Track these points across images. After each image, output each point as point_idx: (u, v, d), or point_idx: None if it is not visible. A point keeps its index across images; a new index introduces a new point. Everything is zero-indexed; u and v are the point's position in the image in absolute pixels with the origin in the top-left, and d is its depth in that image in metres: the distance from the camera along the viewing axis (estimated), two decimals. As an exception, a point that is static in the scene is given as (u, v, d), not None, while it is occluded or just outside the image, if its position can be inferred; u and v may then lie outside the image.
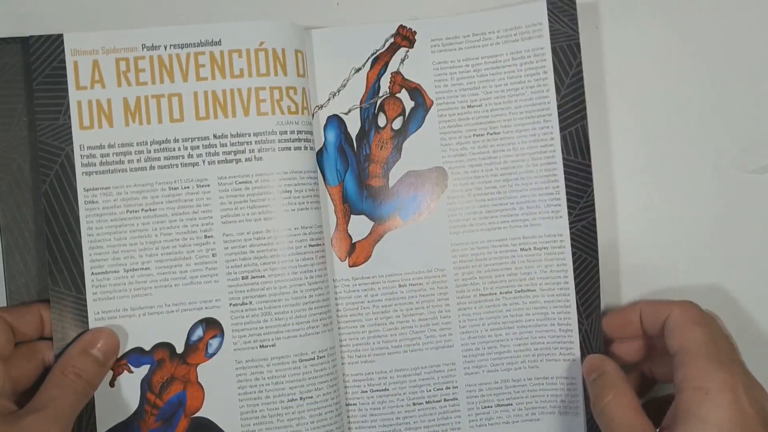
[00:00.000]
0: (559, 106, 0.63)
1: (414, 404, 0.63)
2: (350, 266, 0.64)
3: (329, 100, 0.64)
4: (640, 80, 0.66)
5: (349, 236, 0.64)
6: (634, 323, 0.62)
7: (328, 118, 0.64)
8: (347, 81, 0.64)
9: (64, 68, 0.60)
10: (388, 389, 0.63)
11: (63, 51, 0.60)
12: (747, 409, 0.50)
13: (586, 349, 0.62)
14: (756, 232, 0.66)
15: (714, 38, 0.67)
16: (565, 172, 0.63)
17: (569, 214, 0.63)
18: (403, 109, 0.64)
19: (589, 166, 0.63)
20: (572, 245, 0.63)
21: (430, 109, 0.64)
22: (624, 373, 0.59)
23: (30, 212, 0.59)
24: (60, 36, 0.60)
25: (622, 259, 0.66)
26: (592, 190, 0.63)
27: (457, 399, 0.64)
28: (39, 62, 0.59)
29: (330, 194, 0.64)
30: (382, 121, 0.64)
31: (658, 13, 0.67)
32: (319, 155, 0.63)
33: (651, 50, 0.67)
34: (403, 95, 0.64)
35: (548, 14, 0.63)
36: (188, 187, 0.60)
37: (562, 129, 0.63)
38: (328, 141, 0.64)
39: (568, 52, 0.63)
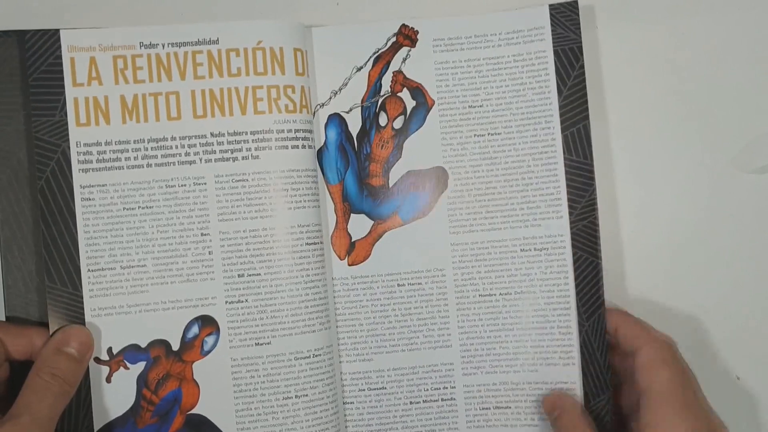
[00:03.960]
0: (560, 107, 0.63)
1: (411, 403, 0.63)
2: (349, 265, 0.63)
3: (330, 98, 0.64)
4: (638, 80, 0.66)
5: (349, 235, 0.64)
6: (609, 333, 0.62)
7: (329, 116, 0.64)
8: (348, 79, 0.64)
9: (61, 65, 0.60)
10: (385, 388, 0.63)
11: (59, 47, 0.60)
12: None
13: (586, 353, 0.62)
14: (757, 230, 0.66)
15: (712, 38, 0.66)
16: (567, 173, 0.63)
17: (570, 214, 0.63)
18: (405, 109, 0.64)
19: (591, 166, 0.63)
20: (573, 245, 0.62)
21: (431, 108, 0.64)
22: (584, 410, 0.60)
23: (29, 206, 0.60)
24: (56, 32, 0.60)
25: (621, 260, 0.66)
26: (594, 190, 0.62)
27: (454, 399, 0.63)
28: (35, 58, 0.60)
29: (330, 193, 0.64)
30: (383, 120, 0.64)
31: (657, 12, 0.67)
32: (320, 154, 0.63)
33: (649, 50, 0.66)
34: (405, 94, 0.64)
35: (551, 18, 0.63)
36: (185, 185, 0.60)
37: (563, 130, 0.63)
38: (328, 139, 0.64)
39: (570, 55, 0.63)
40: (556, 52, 0.63)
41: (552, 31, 0.63)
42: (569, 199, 0.63)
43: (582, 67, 0.63)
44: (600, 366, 0.62)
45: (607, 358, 0.61)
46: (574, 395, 0.62)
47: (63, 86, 0.60)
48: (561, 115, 0.63)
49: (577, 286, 0.62)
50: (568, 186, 0.63)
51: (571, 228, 0.63)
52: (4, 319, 0.59)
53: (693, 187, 0.66)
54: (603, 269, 0.63)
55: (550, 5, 0.63)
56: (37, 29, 0.60)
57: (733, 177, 0.66)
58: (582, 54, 0.63)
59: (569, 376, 0.62)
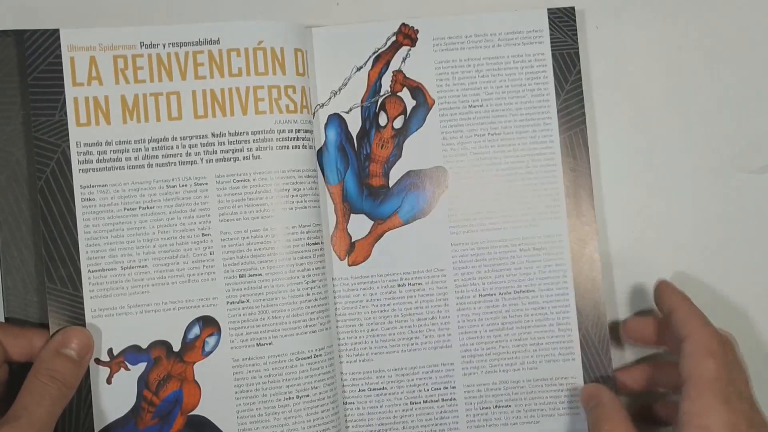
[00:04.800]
0: (558, 110, 0.63)
1: (411, 403, 0.63)
2: (349, 265, 0.63)
3: (330, 98, 0.63)
4: (639, 80, 0.66)
5: (349, 235, 0.63)
6: (654, 329, 0.62)
7: (329, 116, 0.63)
8: (348, 79, 0.63)
9: (60, 64, 0.59)
10: (385, 388, 0.63)
11: (59, 47, 0.59)
12: None
13: (586, 347, 0.62)
14: (757, 230, 0.66)
15: (712, 38, 0.66)
16: (565, 174, 0.63)
17: (568, 214, 0.63)
18: (404, 108, 0.63)
19: (589, 168, 0.63)
20: (572, 245, 0.63)
21: (431, 108, 0.63)
22: (621, 403, 0.58)
23: (27, 207, 0.59)
24: (56, 31, 0.59)
25: (616, 261, 0.65)
26: (592, 192, 0.63)
27: (455, 399, 0.63)
28: (34, 57, 0.59)
29: (330, 193, 0.63)
30: (383, 119, 0.63)
31: (655, 13, 0.66)
32: (320, 154, 0.63)
33: (649, 50, 0.66)
34: (405, 94, 0.64)
35: (549, 22, 0.64)
36: (186, 185, 0.59)
37: (561, 132, 0.63)
38: (328, 140, 0.63)
39: (568, 60, 0.63)
40: (554, 56, 0.63)
41: (550, 35, 0.64)
42: (567, 200, 0.63)
43: (579, 72, 0.63)
44: (601, 359, 0.62)
45: (608, 351, 0.62)
46: (575, 388, 0.62)
47: (63, 86, 0.59)
48: (559, 118, 0.63)
49: (576, 284, 0.63)
50: (566, 186, 0.63)
51: (569, 227, 0.63)
52: (3, 320, 0.59)
53: (693, 187, 0.66)
54: (603, 269, 0.63)
55: (549, 9, 0.64)
56: (36, 29, 0.59)
57: (733, 177, 0.66)
58: (579, 60, 0.63)
59: (569, 371, 0.62)
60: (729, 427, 0.51)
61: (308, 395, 0.59)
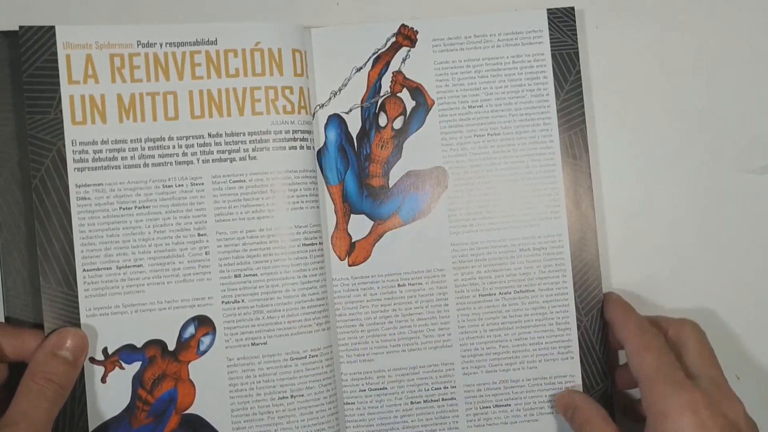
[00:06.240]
0: (558, 110, 0.63)
1: (412, 403, 0.62)
2: (350, 265, 0.62)
3: (330, 99, 0.62)
4: (639, 79, 0.65)
5: (349, 235, 0.62)
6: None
7: (329, 117, 0.62)
8: (348, 80, 0.62)
9: (56, 61, 0.57)
10: (386, 388, 0.62)
11: (55, 44, 0.57)
12: (708, 425, 0.51)
13: (584, 346, 0.62)
14: (757, 230, 0.65)
15: (712, 38, 0.65)
16: (565, 174, 0.62)
17: (568, 214, 0.62)
18: (404, 109, 0.62)
19: (588, 167, 0.62)
20: (571, 245, 0.62)
21: (431, 109, 0.62)
22: (596, 403, 0.59)
23: (28, 208, 0.57)
24: (52, 28, 0.58)
25: (616, 261, 0.64)
26: (591, 191, 0.62)
27: (455, 399, 0.62)
28: (29, 54, 0.57)
29: (330, 193, 0.62)
30: (382, 120, 0.62)
31: (655, 12, 0.65)
32: (320, 154, 0.62)
33: (649, 49, 0.65)
34: (404, 95, 0.63)
35: (548, 23, 0.63)
36: (182, 185, 0.58)
37: (561, 132, 0.62)
38: (328, 140, 0.62)
39: (567, 60, 0.63)
40: (553, 56, 0.63)
41: (550, 35, 0.63)
42: (567, 200, 0.62)
43: (579, 72, 0.63)
44: (598, 357, 0.62)
45: (605, 349, 0.62)
46: (573, 387, 0.62)
47: (58, 83, 0.57)
48: (559, 118, 0.63)
49: (575, 283, 0.62)
50: (565, 187, 0.62)
51: (569, 227, 0.62)
52: (2, 320, 0.58)
53: (693, 187, 0.65)
54: (602, 269, 0.63)
55: (548, 10, 0.63)
56: (31, 25, 0.58)
57: (733, 177, 0.65)
58: (578, 60, 0.63)
59: (568, 370, 0.62)
60: (684, 406, 0.52)
61: (302, 395, 0.58)
